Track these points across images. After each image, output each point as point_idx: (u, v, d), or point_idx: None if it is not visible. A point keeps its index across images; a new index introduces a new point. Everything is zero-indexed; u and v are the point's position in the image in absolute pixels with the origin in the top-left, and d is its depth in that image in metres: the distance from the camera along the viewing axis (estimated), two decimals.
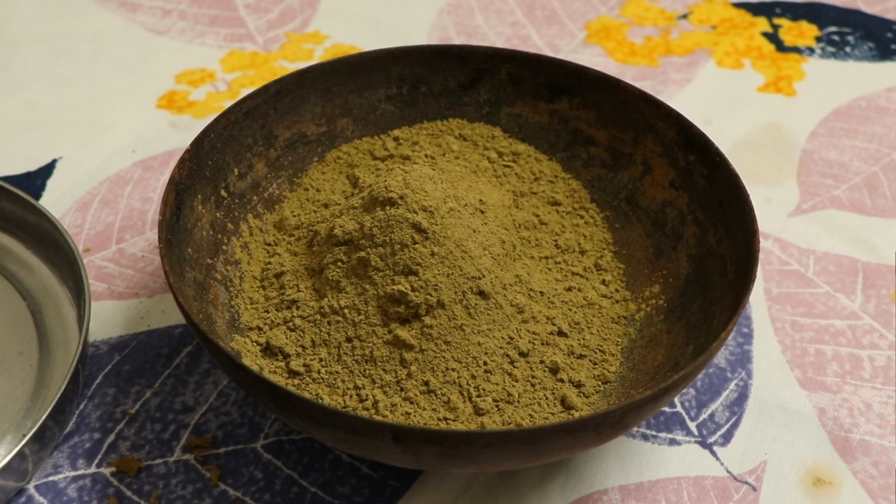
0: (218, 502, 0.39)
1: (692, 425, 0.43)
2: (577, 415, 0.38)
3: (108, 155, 0.56)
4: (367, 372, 0.38)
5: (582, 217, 0.47)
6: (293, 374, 0.39)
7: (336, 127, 0.50)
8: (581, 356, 0.40)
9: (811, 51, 0.66)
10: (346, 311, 0.39)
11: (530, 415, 0.38)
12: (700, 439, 0.42)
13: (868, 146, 0.58)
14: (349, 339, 0.39)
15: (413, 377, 0.38)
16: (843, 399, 0.44)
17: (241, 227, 0.45)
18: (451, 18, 0.68)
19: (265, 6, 0.69)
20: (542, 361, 0.40)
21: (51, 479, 0.40)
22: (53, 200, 0.53)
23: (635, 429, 0.42)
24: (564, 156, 0.49)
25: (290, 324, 0.40)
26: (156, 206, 0.53)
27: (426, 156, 0.49)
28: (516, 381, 0.39)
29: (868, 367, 0.45)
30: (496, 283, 0.40)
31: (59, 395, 0.39)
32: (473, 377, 0.38)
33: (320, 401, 0.38)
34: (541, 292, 0.42)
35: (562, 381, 0.39)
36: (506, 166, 0.49)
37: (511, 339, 0.40)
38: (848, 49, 0.66)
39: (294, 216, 0.46)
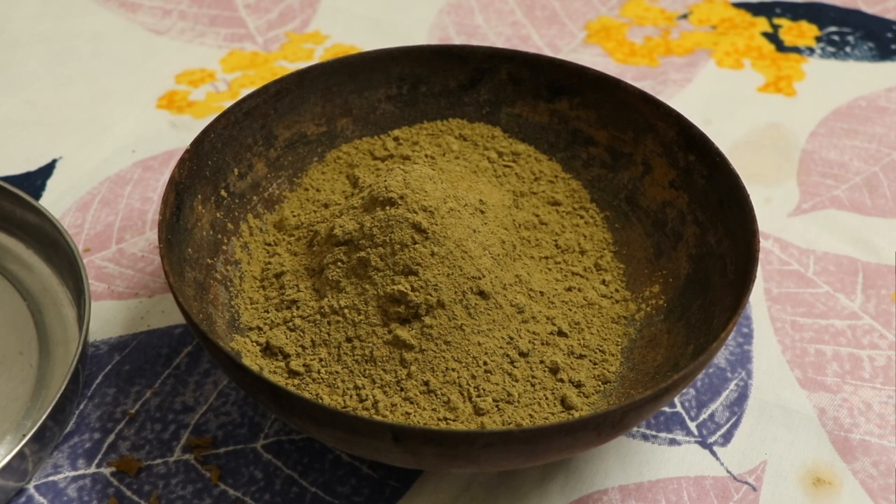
0: (218, 502, 0.39)
1: (692, 425, 0.43)
2: (577, 415, 0.38)
3: (108, 155, 0.56)
4: (367, 372, 0.38)
5: (582, 217, 0.47)
6: (293, 374, 0.39)
7: (336, 127, 0.50)
8: (581, 356, 0.40)
9: (811, 51, 0.66)
10: (346, 311, 0.39)
11: (530, 415, 0.38)
12: (700, 439, 0.42)
13: (868, 146, 0.58)
14: (349, 339, 0.39)
15: (413, 377, 0.38)
16: (843, 399, 0.44)
17: (241, 227, 0.45)
18: (451, 18, 0.68)
19: (265, 6, 0.69)
20: (542, 361, 0.40)
21: (51, 479, 0.40)
22: (53, 200, 0.53)
23: (635, 429, 0.42)
24: (564, 156, 0.49)
25: (290, 324, 0.40)
26: (156, 206, 0.53)
27: (426, 156, 0.49)
28: (516, 381, 0.39)
29: (868, 367, 0.45)
30: (496, 283, 0.40)
31: (59, 395, 0.39)
32: (473, 377, 0.38)
33: (320, 401, 0.38)
34: (541, 292, 0.42)
35: (562, 381, 0.39)
36: (506, 166, 0.49)
37: (511, 339, 0.40)
38: (848, 49, 0.66)
39: (294, 216, 0.46)
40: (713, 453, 0.42)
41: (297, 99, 0.48)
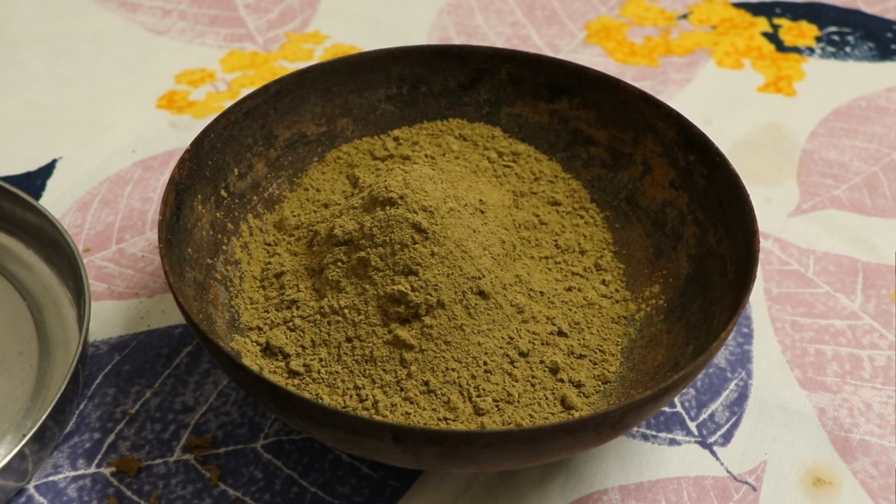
0: (218, 502, 0.39)
1: (692, 425, 0.43)
2: (577, 415, 0.38)
3: (108, 155, 0.56)
4: (367, 372, 0.38)
5: (582, 217, 0.47)
6: (293, 374, 0.39)
7: (336, 127, 0.50)
8: (581, 356, 0.40)
9: (811, 51, 0.66)
10: (346, 311, 0.39)
11: (530, 415, 0.38)
12: (700, 439, 0.42)
13: (868, 146, 0.58)
14: (349, 339, 0.39)
15: (413, 377, 0.38)
16: (843, 399, 0.44)
17: (241, 227, 0.45)
18: (451, 18, 0.68)
19: (265, 6, 0.69)
20: (542, 361, 0.40)
21: (51, 479, 0.40)
22: (53, 200, 0.53)
23: (635, 429, 0.42)
24: (564, 156, 0.49)
25: (290, 324, 0.40)
26: (156, 206, 0.53)
27: (426, 156, 0.49)
28: (516, 381, 0.39)
29: (868, 367, 0.45)
30: (496, 283, 0.40)
31: (59, 395, 0.39)
32: (473, 377, 0.38)
33: (320, 401, 0.38)
34: (541, 292, 0.42)
35: (562, 381, 0.39)
36: (506, 166, 0.49)
37: (511, 339, 0.40)
38: (848, 49, 0.66)
39: (294, 216, 0.46)
40: (713, 453, 0.42)
41: (297, 99, 0.48)
